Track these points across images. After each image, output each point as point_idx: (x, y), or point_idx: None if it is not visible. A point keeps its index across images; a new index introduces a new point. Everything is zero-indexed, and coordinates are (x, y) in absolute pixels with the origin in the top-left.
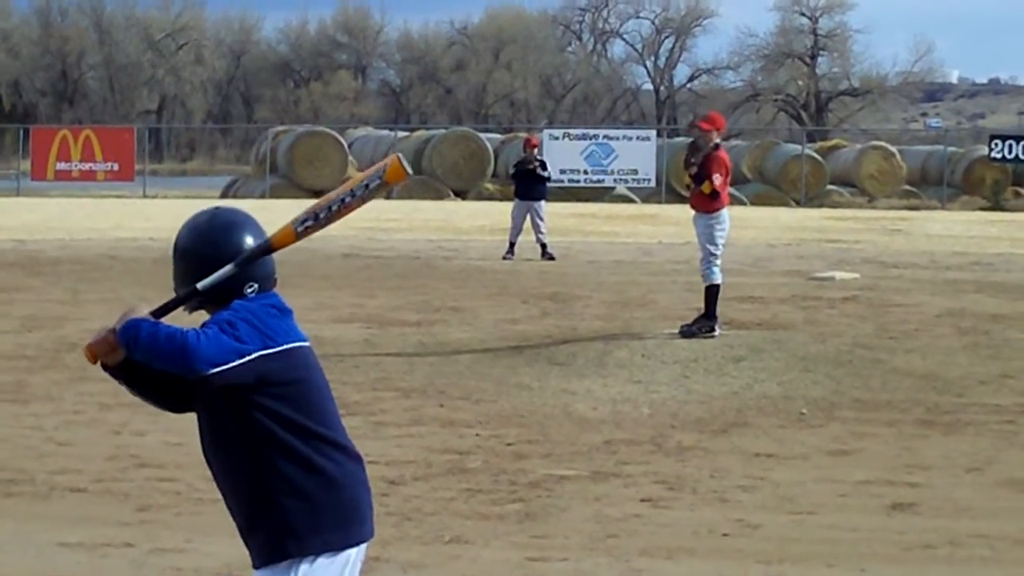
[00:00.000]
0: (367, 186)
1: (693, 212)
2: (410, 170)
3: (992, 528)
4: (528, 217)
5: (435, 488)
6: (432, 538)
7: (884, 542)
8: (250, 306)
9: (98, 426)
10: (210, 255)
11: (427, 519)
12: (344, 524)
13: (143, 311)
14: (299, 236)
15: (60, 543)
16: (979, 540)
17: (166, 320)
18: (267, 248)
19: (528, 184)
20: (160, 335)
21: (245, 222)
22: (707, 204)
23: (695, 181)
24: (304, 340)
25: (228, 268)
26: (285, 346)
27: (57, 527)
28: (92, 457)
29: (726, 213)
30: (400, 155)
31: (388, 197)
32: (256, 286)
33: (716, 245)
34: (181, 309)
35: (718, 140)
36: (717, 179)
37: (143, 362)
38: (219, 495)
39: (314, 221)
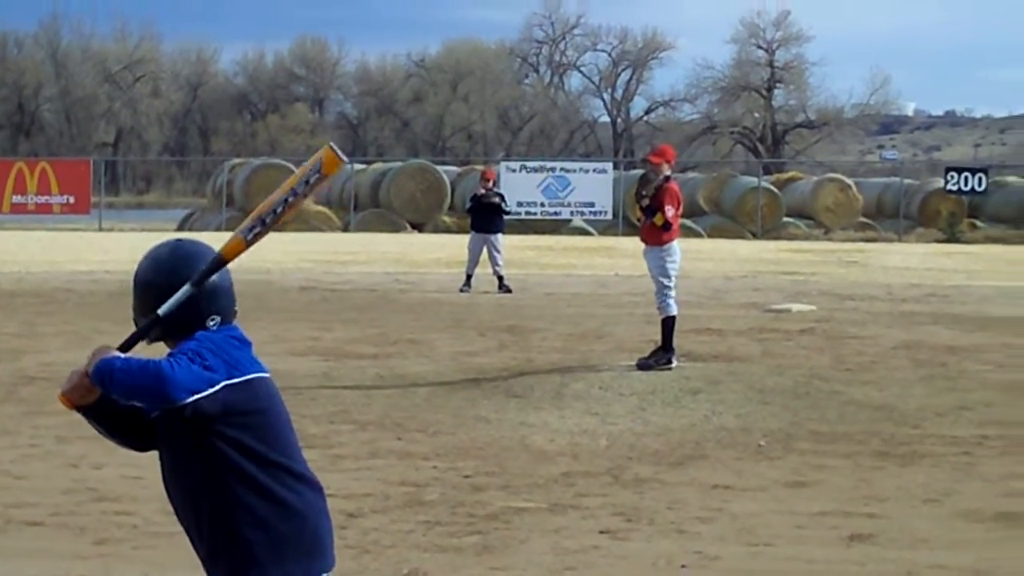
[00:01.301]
0: (307, 182)
1: (643, 245)
2: (345, 158)
3: (949, 559)
4: (485, 250)
5: (393, 521)
6: (391, 571)
7: (842, 573)
8: (213, 337)
9: (55, 459)
10: (171, 286)
11: (386, 552)
12: (306, 555)
13: (111, 349)
14: (249, 244)
15: None
16: (937, 571)
17: (133, 352)
18: (220, 260)
19: (485, 217)
20: (133, 367)
21: (206, 253)
22: (657, 237)
23: (646, 214)
24: (265, 371)
25: (185, 289)
26: (248, 376)
27: (14, 561)
28: (49, 490)
29: (677, 245)
30: (331, 144)
31: (345, 229)
32: (219, 319)
33: (669, 277)
34: (143, 341)
35: (668, 172)
36: (669, 211)
37: (120, 397)
38: (177, 529)
39: (262, 226)
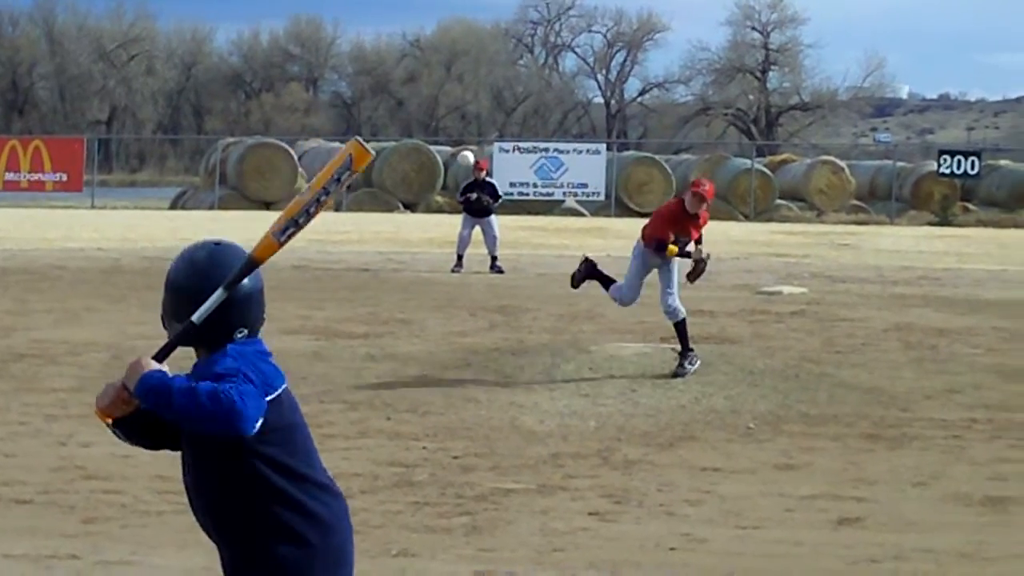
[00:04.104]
0: (338, 179)
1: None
2: (372, 151)
3: (938, 542)
4: (479, 230)
5: (382, 501)
6: (379, 551)
7: (830, 556)
8: (245, 351)
9: (44, 437)
10: (207, 292)
11: (374, 532)
12: (333, 567)
13: (149, 361)
14: (282, 244)
15: (4, 555)
16: (925, 554)
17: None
18: (252, 263)
19: (476, 208)
20: (201, 395)
21: (244, 256)
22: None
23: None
24: (285, 380)
25: (218, 293)
26: (278, 391)
27: (1, 539)
28: (37, 468)
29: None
30: (358, 138)
31: (337, 209)
32: (246, 332)
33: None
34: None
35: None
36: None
37: (174, 419)
38: (165, 507)
39: (295, 227)
